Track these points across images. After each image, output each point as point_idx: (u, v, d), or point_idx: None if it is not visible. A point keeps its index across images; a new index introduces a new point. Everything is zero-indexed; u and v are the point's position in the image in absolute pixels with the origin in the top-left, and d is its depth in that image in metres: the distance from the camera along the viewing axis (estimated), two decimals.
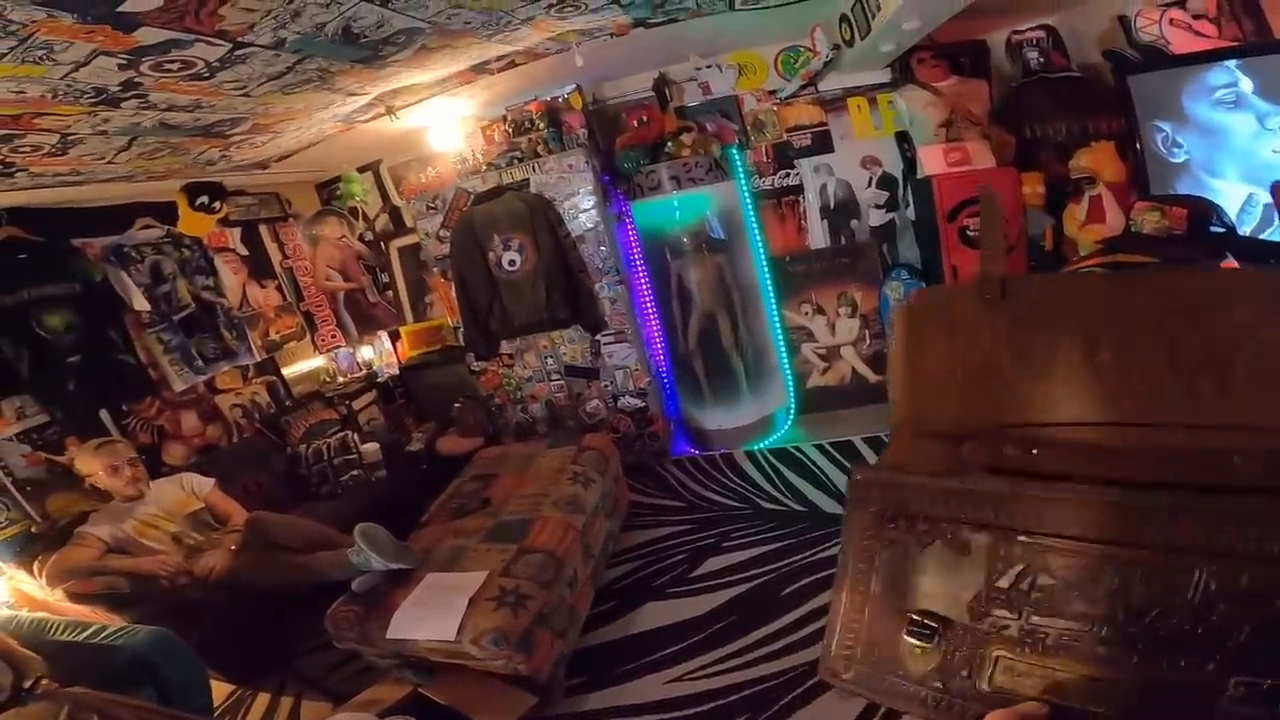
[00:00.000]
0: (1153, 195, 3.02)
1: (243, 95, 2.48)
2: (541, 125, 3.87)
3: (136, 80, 2.05)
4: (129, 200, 3.57)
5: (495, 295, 3.80)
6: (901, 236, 4.04)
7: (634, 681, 2.34)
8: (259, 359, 4.12)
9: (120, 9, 1.61)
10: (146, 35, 1.77)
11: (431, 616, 2.19)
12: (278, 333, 4.35)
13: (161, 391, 3.55)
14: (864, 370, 4.19)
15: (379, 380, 4.67)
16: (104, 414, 3.28)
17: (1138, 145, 3.18)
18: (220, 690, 2.72)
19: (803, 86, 3.91)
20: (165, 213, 3.72)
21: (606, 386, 4.00)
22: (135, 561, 2.63)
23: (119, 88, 2.08)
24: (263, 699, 2.71)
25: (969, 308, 0.65)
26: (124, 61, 1.90)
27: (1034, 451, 0.58)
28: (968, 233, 3.43)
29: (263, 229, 4.48)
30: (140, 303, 3.46)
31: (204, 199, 3.67)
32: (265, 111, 2.79)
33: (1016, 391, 0.62)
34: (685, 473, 3.82)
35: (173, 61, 1.99)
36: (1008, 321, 0.62)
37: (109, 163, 2.85)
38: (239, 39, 1.97)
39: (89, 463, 2.79)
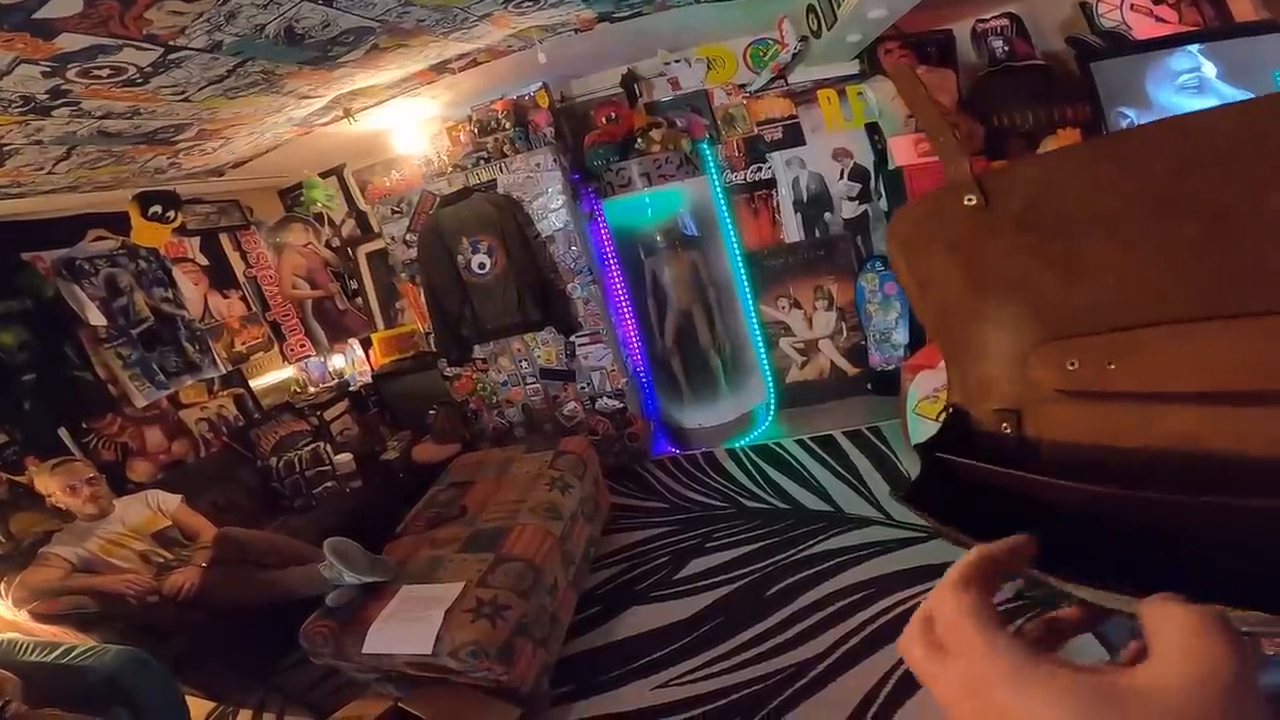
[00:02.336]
0: None
1: (183, 100, 2.38)
2: (508, 124, 3.81)
3: (64, 88, 1.96)
4: (79, 211, 3.44)
5: (466, 299, 3.74)
6: (875, 228, 4.03)
7: (621, 688, 2.30)
8: (224, 371, 4.01)
9: (36, 15, 1.53)
10: (68, 42, 1.69)
11: (407, 630, 2.14)
12: (243, 344, 4.24)
13: (123, 408, 3.43)
14: (843, 363, 4.20)
15: (351, 389, 4.56)
16: (63, 432, 3.16)
17: (1103, 132, 3.20)
18: (202, 707, 2.66)
19: (772, 79, 3.88)
20: (118, 223, 3.58)
21: (583, 388, 3.95)
22: (100, 580, 2.54)
23: (47, 96, 1.98)
24: (244, 716, 2.66)
25: (959, 219, 0.56)
26: (48, 69, 1.81)
27: (1110, 366, 0.51)
28: None
29: (223, 237, 4.36)
30: (96, 317, 3.34)
31: (157, 208, 3.53)
32: (211, 117, 2.70)
33: (1053, 302, 0.53)
34: (667, 473, 3.79)
35: (101, 68, 1.90)
36: (1011, 226, 0.54)
37: (49, 173, 2.74)
38: (170, 43, 1.89)
39: (46, 483, 2.71)
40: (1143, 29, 3.17)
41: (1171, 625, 0.30)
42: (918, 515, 0.58)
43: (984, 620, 0.33)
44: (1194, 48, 2.97)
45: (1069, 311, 0.53)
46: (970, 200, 0.55)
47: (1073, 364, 0.53)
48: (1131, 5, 3.20)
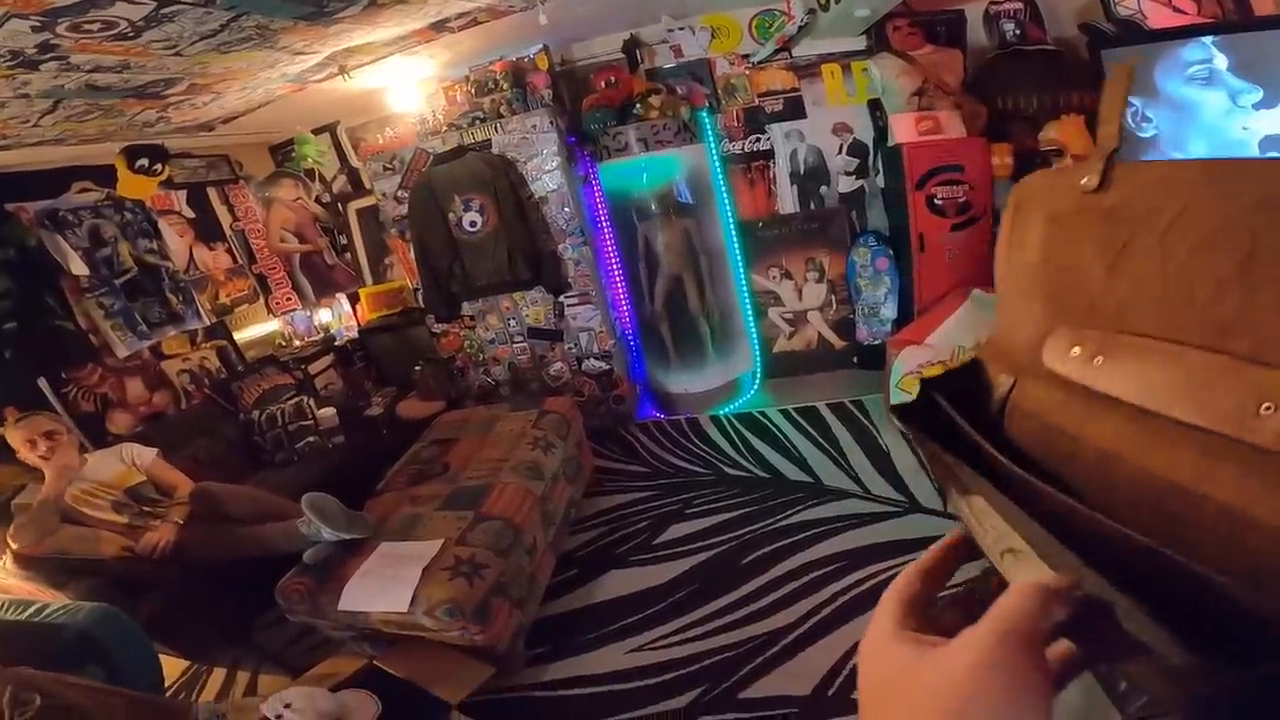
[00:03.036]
0: None
1: (174, 55, 2.32)
2: (506, 86, 3.74)
3: (53, 42, 1.92)
4: (64, 164, 3.38)
5: (456, 256, 3.72)
6: (870, 203, 4.02)
7: (595, 651, 2.32)
8: (208, 323, 3.97)
9: None
10: None
11: (383, 588, 2.13)
12: (228, 296, 4.20)
13: (104, 358, 3.40)
14: (830, 335, 4.21)
15: (337, 343, 4.55)
16: (43, 382, 3.13)
17: None
18: (176, 666, 2.66)
19: (776, 51, 3.84)
20: (104, 176, 3.54)
21: (570, 349, 3.96)
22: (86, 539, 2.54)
23: (35, 50, 1.94)
24: (219, 674, 2.65)
25: (1068, 195, 0.59)
26: (38, 24, 1.77)
27: (1096, 360, 0.53)
28: (935, 201, 3.42)
29: (211, 191, 4.31)
30: (78, 267, 3.29)
31: (144, 161, 3.49)
32: (202, 72, 2.63)
33: (1092, 292, 0.56)
34: (650, 437, 3.80)
35: (92, 22, 1.85)
36: (1101, 213, 0.56)
37: (34, 126, 2.68)
38: None
39: (12, 436, 2.66)
40: (1158, 19, 3.14)
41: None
42: (905, 429, 0.61)
43: (889, 611, 0.39)
44: (1208, 39, 2.94)
45: (1100, 304, 0.56)
46: (1086, 181, 0.57)
47: (1075, 351, 0.56)
48: None
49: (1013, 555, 0.44)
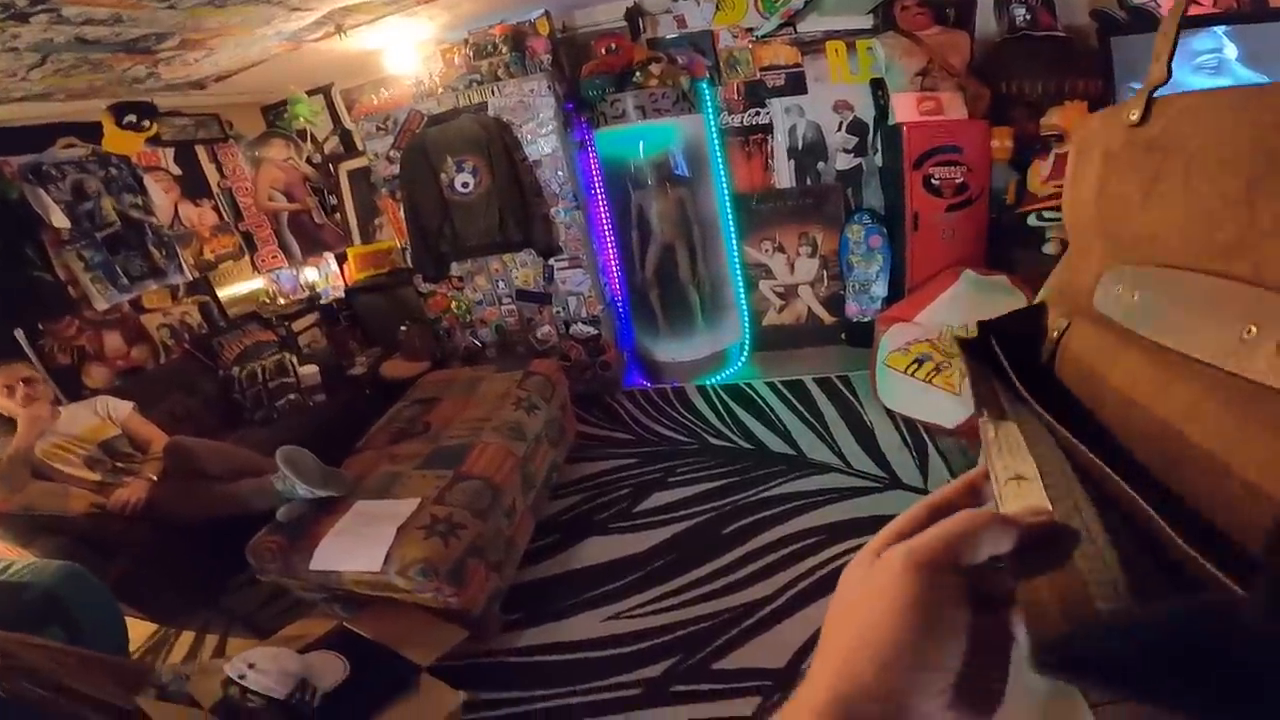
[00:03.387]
0: None
1: (168, 8, 2.26)
2: (504, 49, 3.68)
3: None
4: (50, 120, 3.32)
5: (446, 217, 3.68)
6: (867, 182, 3.98)
7: (571, 618, 2.31)
8: (191, 278, 3.91)
9: None
10: None
11: (357, 547, 2.10)
12: (212, 252, 4.14)
13: (82, 310, 3.34)
14: (820, 310, 4.20)
15: (323, 302, 4.50)
16: (19, 334, 3.08)
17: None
18: (144, 629, 2.62)
19: (781, 26, 3.77)
20: (90, 133, 3.48)
21: (558, 312, 3.94)
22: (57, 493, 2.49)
23: (26, 2, 1.89)
24: (187, 636, 2.62)
25: (1118, 131, 0.57)
26: None
27: (1134, 297, 0.52)
28: (932, 181, 3.38)
29: (200, 149, 4.23)
30: (59, 220, 3.23)
31: (131, 117, 3.44)
32: (196, 26, 2.56)
33: (1131, 225, 0.54)
34: (635, 405, 3.79)
35: None
36: (1143, 146, 0.54)
37: (22, 80, 2.62)
38: None
39: None
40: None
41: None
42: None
43: (877, 538, 0.38)
44: (1220, 29, 2.90)
45: (1138, 237, 0.54)
46: (1132, 116, 0.55)
47: (1118, 289, 0.55)
48: None
49: (1016, 483, 0.42)
